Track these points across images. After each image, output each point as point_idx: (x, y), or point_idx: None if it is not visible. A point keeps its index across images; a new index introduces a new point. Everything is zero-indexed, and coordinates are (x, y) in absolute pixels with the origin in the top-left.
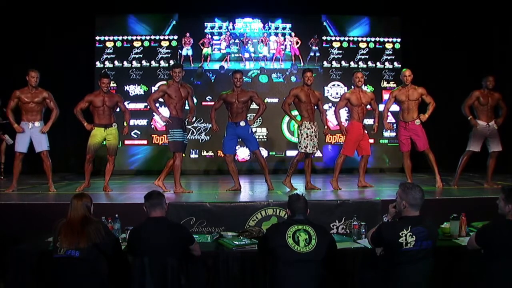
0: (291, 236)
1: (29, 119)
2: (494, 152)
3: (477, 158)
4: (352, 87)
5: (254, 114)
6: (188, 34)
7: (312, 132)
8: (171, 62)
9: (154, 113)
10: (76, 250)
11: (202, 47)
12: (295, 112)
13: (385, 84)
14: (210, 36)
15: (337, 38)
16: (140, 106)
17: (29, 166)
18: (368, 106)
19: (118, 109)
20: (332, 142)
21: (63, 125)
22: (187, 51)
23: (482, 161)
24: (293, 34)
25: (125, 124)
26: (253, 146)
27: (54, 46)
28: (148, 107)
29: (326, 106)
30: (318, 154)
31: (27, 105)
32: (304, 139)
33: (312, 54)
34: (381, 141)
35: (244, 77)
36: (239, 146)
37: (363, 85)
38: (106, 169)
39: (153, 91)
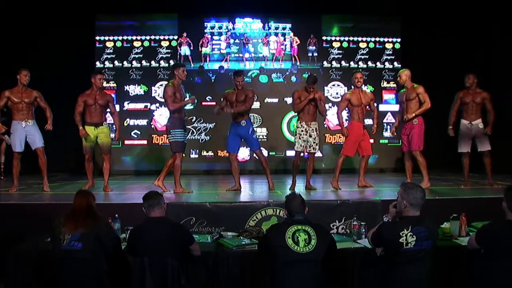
0: (290, 236)
1: (22, 118)
2: (483, 151)
3: (477, 158)
4: (352, 87)
5: (255, 114)
6: (185, 34)
7: (303, 131)
8: (171, 62)
9: (154, 114)
10: (79, 242)
11: (201, 48)
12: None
13: (385, 84)
14: (210, 36)
15: (337, 38)
16: (140, 106)
17: (26, 166)
18: (367, 107)
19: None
20: (332, 142)
21: (63, 125)
22: (185, 50)
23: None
24: (292, 34)
25: (114, 127)
26: (254, 146)
27: (54, 46)
28: (148, 107)
29: (326, 106)
30: (318, 154)
31: (18, 105)
32: (300, 138)
33: (310, 54)
34: (381, 141)
35: (244, 77)
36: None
37: (363, 85)
38: (103, 169)
39: (153, 91)
